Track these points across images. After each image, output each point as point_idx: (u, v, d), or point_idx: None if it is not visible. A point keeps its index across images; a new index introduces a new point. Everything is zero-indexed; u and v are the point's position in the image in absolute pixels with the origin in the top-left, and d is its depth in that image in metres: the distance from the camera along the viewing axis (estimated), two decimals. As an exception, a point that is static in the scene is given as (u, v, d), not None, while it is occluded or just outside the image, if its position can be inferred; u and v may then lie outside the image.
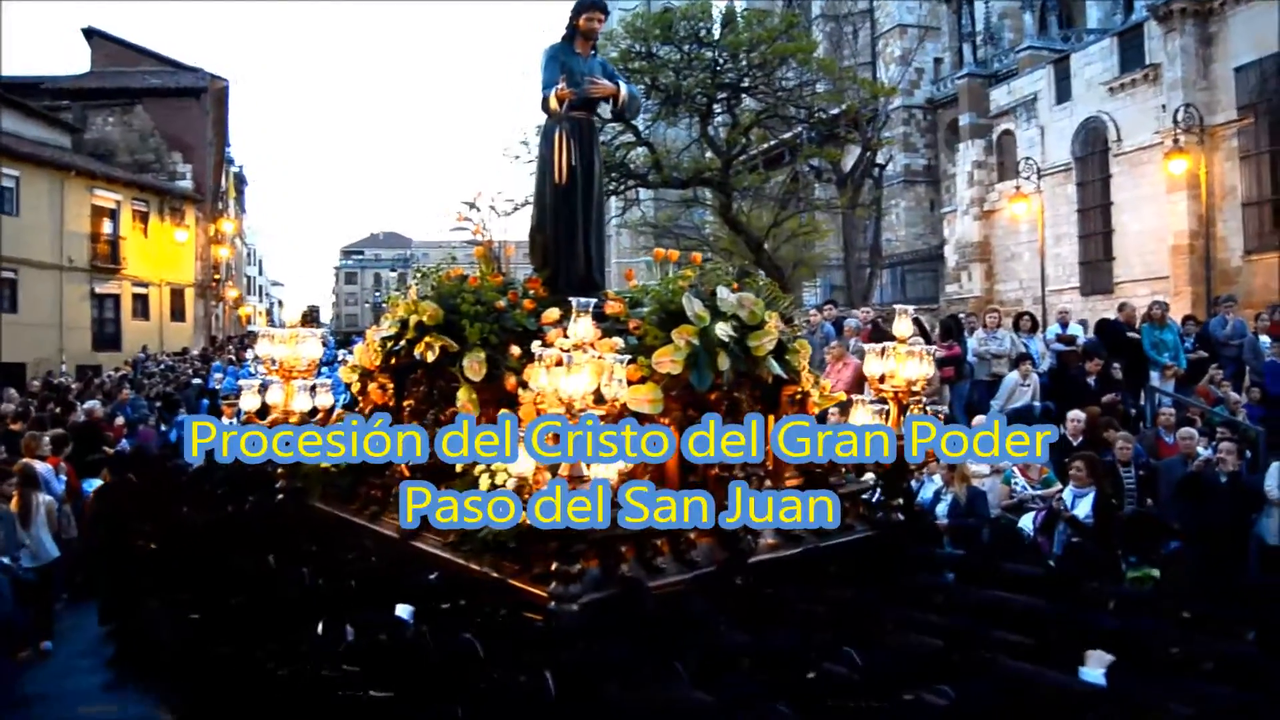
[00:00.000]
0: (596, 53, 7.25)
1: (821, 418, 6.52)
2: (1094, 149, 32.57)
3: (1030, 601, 5.15)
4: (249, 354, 22.69)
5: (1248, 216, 27.27)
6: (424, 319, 6.06)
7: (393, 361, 6.62)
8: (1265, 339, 12.77)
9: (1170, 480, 8.98)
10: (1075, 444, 9.54)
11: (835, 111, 29.15)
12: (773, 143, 31.52)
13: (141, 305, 35.26)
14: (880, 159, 33.97)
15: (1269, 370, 12.23)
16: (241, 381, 7.42)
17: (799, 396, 6.31)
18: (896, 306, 6.39)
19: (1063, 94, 33.72)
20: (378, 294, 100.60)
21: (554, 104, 6.58)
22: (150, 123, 37.12)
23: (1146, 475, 9.24)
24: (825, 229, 32.53)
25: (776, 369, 5.97)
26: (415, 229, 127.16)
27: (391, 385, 6.83)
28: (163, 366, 23.93)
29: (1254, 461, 9.56)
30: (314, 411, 7.35)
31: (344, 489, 6.96)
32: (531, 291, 6.52)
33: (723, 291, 5.90)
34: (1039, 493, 8.77)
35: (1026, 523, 8.41)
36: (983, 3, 44.64)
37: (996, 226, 37.43)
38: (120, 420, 13.76)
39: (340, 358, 13.40)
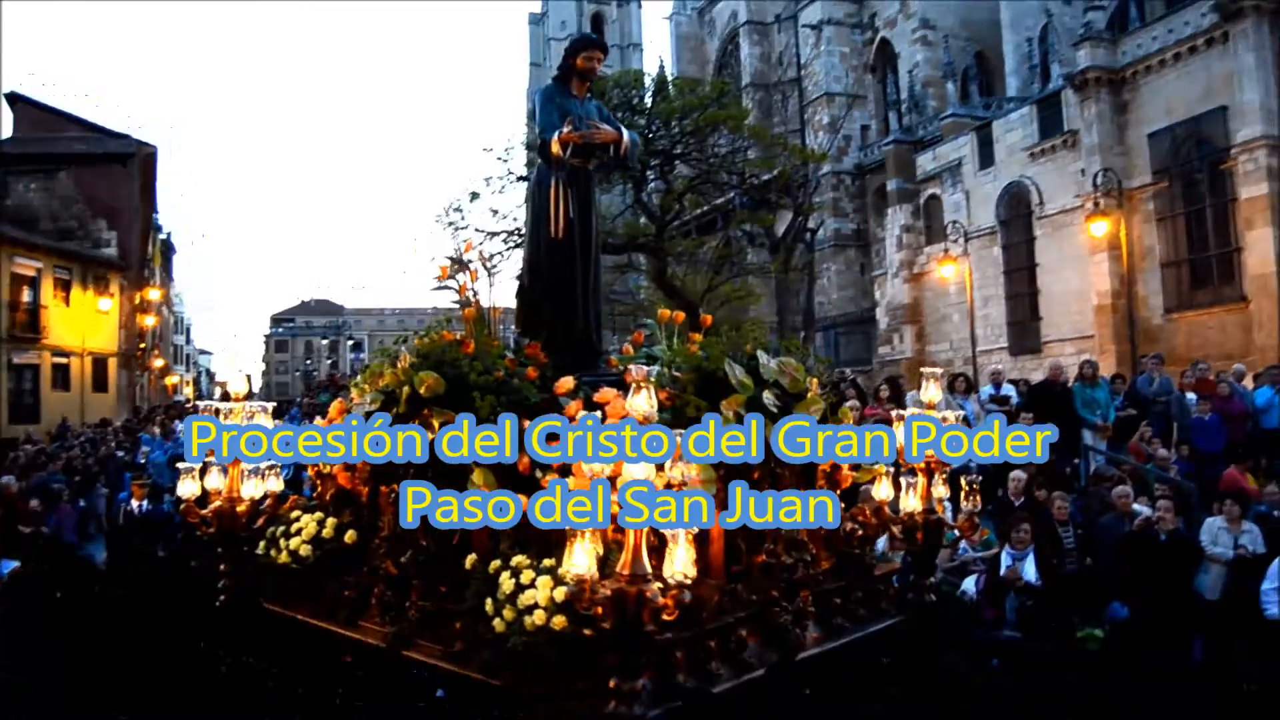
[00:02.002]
0: (593, 94, 6.72)
1: (851, 493, 5.83)
2: (1018, 212, 33.45)
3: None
4: (178, 426, 21.97)
5: (1166, 276, 28.13)
6: (421, 390, 5.21)
7: None
8: (1191, 395, 13.01)
9: (1109, 539, 9.01)
10: (1016, 504, 9.54)
11: (766, 177, 29.61)
12: (706, 208, 31.89)
13: (62, 375, 34.27)
14: (811, 224, 34.50)
15: (1196, 427, 12.43)
16: (180, 465, 6.10)
17: (831, 468, 5.62)
18: (923, 370, 5.86)
19: (986, 159, 34.66)
20: (308, 362, 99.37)
21: (556, 149, 5.95)
22: (74, 189, 36.44)
23: (1085, 535, 9.26)
24: (759, 293, 32.85)
25: None
26: (347, 296, 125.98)
27: (365, 466, 5.79)
28: (83, 439, 23.16)
29: (1189, 518, 9.64)
30: (263, 498, 6.24)
31: (307, 587, 5.72)
32: (531, 358, 5.73)
33: (763, 356, 5.39)
34: (980, 554, 8.73)
35: (969, 585, 8.35)
36: (907, 72, 45.90)
37: (926, 289, 38.09)
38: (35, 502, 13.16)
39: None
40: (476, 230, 27.41)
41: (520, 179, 28.04)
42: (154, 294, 46.32)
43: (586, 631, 3.80)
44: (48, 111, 40.07)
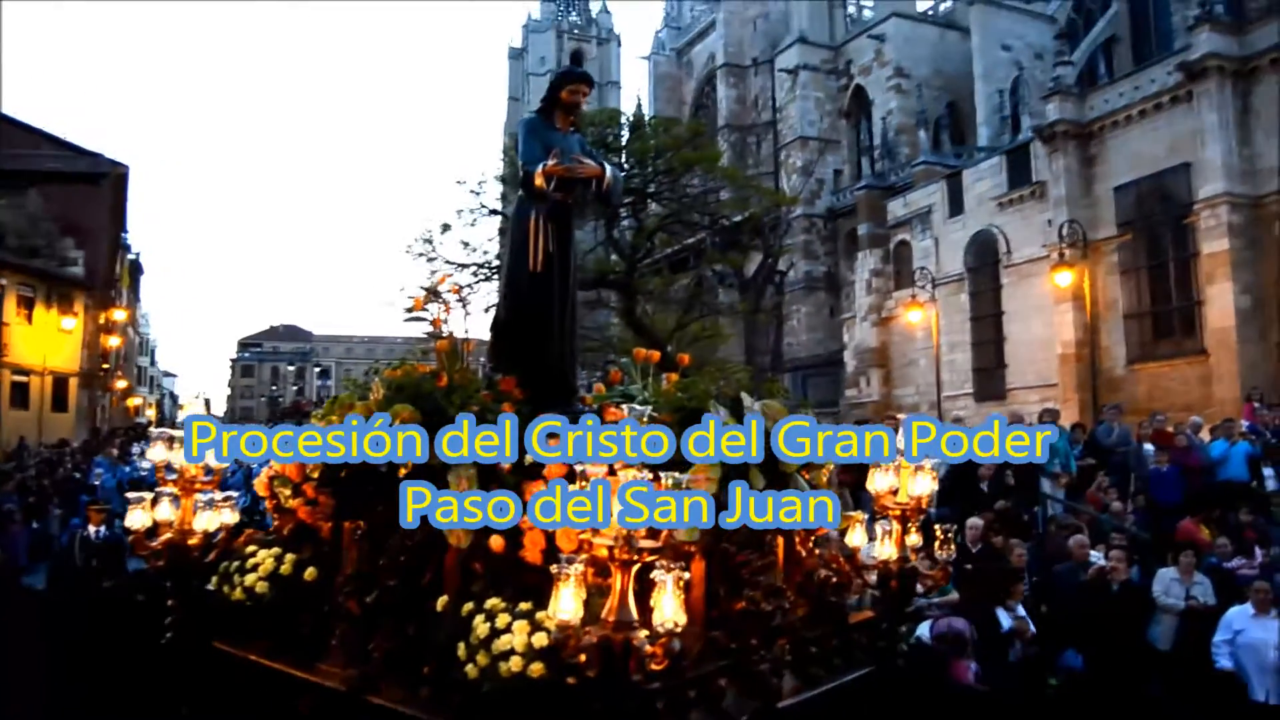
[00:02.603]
0: (577, 129, 6.56)
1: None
2: (985, 260, 33.83)
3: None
4: (136, 449, 21.65)
5: (1129, 328, 28.52)
6: (396, 423, 4.97)
7: (342, 473, 5.28)
8: (1149, 446, 13.15)
9: (1065, 587, 9.06)
10: (974, 550, 9.58)
11: (738, 219, 29.83)
12: (677, 247, 32.06)
13: (21, 394, 33.75)
14: (782, 266, 34.78)
15: (1154, 478, 12.56)
16: (130, 495, 5.75)
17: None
18: (900, 416, 5.82)
19: (955, 207, 35.10)
20: (274, 388, 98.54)
21: (540, 182, 5.75)
22: (42, 207, 36.10)
23: (1041, 582, 9.31)
24: (728, 333, 32.93)
25: (804, 487, 5.14)
26: (316, 323, 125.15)
27: (329, 502, 5.48)
28: (38, 459, 22.79)
29: (1144, 569, 9.71)
30: (216, 531, 5.86)
31: (263, 626, 5.33)
32: (506, 393, 5.44)
33: (747, 398, 5.19)
34: (936, 600, 8.73)
35: (923, 630, 8.35)
36: (880, 119, 46.51)
37: (894, 333, 38.37)
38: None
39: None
40: (447, 262, 27.44)
41: (493, 212, 28.11)
42: (119, 314, 45.87)
43: (570, 680, 3.65)
44: (18, 127, 39.73)
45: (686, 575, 3.56)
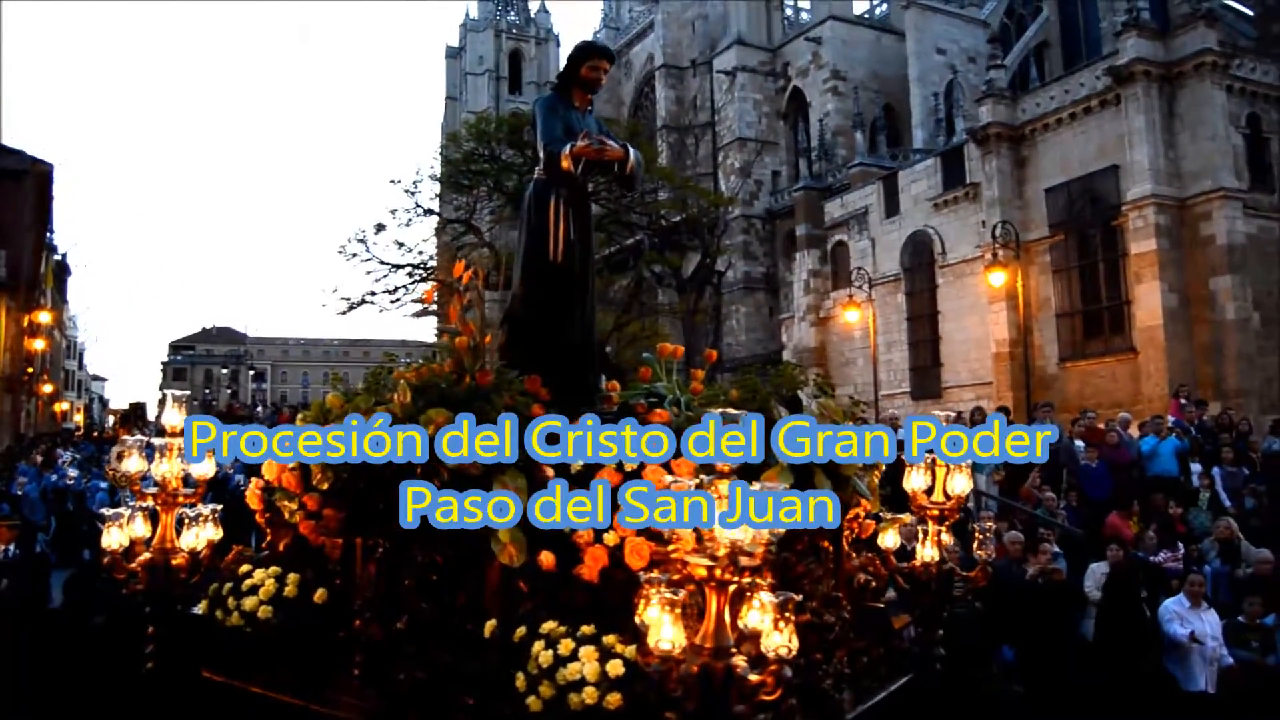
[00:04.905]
0: (593, 108, 6.15)
1: (871, 540, 5.23)
2: (921, 261, 34.23)
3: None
4: (62, 455, 21.01)
5: (1061, 326, 29.05)
6: (430, 431, 4.37)
7: (360, 484, 4.68)
8: (1080, 443, 13.33)
9: (1000, 584, 9.10)
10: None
11: (677, 219, 29.83)
12: (615, 248, 31.96)
13: (-60, 400, 32.72)
14: (720, 266, 34.81)
15: (1085, 474, 12.73)
16: (107, 511, 5.03)
17: (860, 519, 5.07)
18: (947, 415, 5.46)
19: (891, 208, 35.47)
20: (207, 391, 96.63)
21: (566, 163, 5.41)
22: (-39, 206, 34.96)
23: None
24: (666, 333, 32.97)
25: (864, 491, 4.86)
26: (250, 324, 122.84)
27: (338, 516, 4.85)
28: (-43, 467, 22.03)
29: (1077, 564, 9.81)
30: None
31: (262, 654, 4.78)
32: (532, 394, 4.94)
33: (805, 397, 4.88)
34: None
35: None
36: (817, 120, 46.84)
37: (831, 333, 38.65)
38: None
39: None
40: (381, 263, 27.07)
41: (428, 212, 27.84)
42: (44, 316, 44.62)
43: (669, 716, 3.16)
44: (-64, 125, 38.51)
45: (798, 596, 3.23)
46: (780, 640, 3.00)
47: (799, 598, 3.21)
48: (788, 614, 3.01)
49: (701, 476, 3.10)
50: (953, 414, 5.70)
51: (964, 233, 31.94)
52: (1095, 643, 8.60)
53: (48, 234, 45.74)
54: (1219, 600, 9.45)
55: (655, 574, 3.15)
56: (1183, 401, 16.24)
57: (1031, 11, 47.92)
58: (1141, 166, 25.92)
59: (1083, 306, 28.86)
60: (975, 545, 5.02)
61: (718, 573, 2.98)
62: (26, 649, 6.27)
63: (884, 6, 51.24)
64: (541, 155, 5.54)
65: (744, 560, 2.99)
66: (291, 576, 4.80)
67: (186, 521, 4.92)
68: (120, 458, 4.95)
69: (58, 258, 54.88)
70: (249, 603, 4.76)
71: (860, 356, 36.24)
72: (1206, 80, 25.71)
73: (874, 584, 5.06)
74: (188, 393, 5.29)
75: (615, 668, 3.62)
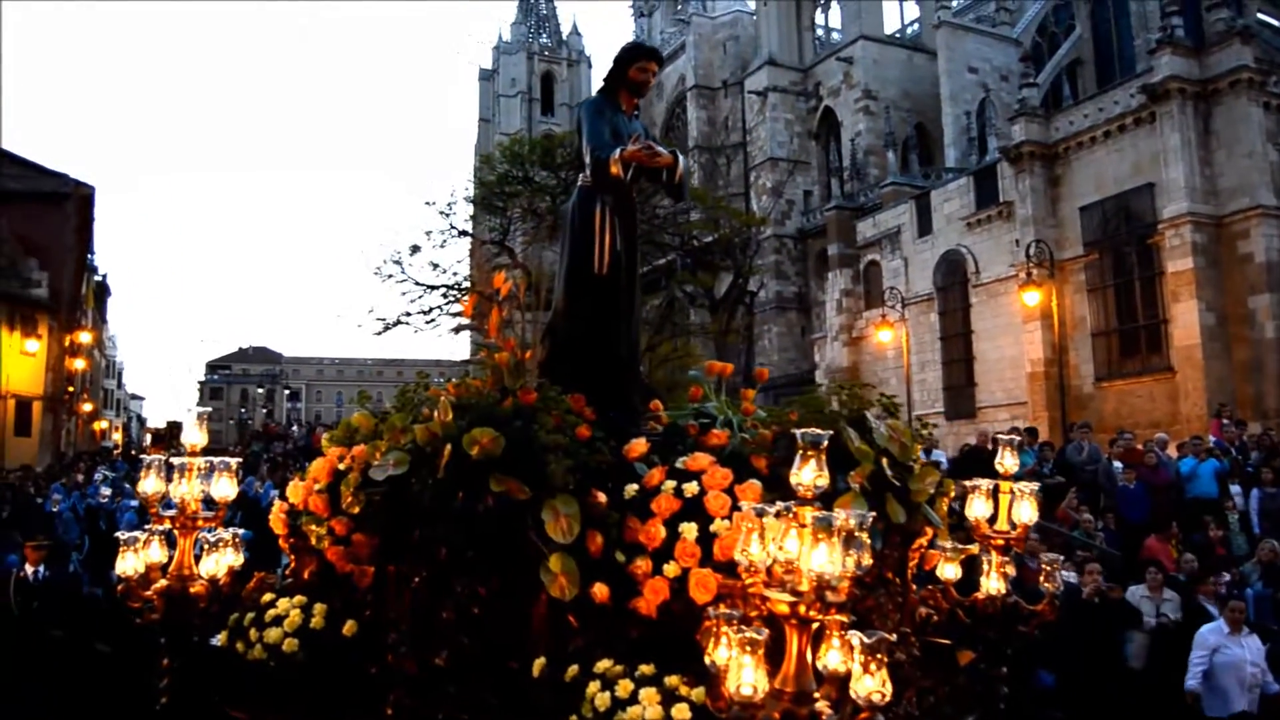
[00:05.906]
0: (639, 113, 5.84)
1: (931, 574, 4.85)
2: (954, 280, 34.03)
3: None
4: (99, 474, 21.20)
5: (1097, 345, 28.76)
6: (473, 452, 4.04)
7: (397, 508, 4.34)
8: (1118, 464, 13.21)
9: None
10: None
11: (709, 239, 29.87)
12: (648, 268, 32.04)
13: (-17, 419, 33.25)
14: (752, 286, 34.80)
15: (1122, 495, 12.61)
16: (121, 535, 4.54)
17: (923, 549, 4.73)
18: (999, 436, 5.07)
19: (924, 228, 35.32)
20: (243, 410, 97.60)
21: (615, 169, 5.11)
22: (5, 227, 35.61)
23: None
24: (699, 353, 32.96)
25: (935, 519, 4.55)
26: (286, 345, 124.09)
27: (369, 542, 4.49)
28: None
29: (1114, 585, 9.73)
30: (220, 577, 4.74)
31: (289, 689, 4.40)
32: (578, 414, 4.56)
33: (873, 419, 4.59)
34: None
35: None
36: (849, 140, 46.81)
37: (864, 352, 38.47)
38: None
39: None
40: (416, 284, 27.30)
41: (462, 234, 28.05)
42: (85, 337, 45.31)
43: None
44: (-18, 147, 39.26)
45: (892, 636, 2.95)
46: (873, 685, 2.69)
47: (893, 637, 2.98)
48: (880, 656, 2.68)
49: (779, 504, 2.89)
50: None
51: (997, 252, 31.74)
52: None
53: (88, 255, 46.46)
54: (1261, 623, 9.32)
55: (724, 609, 2.89)
56: (1224, 421, 16.06)
57: (1064, 29, 47.71)
58: (1177, 184, 25.66)
59: (1119, 325, 28.57)
60: (1042, 578, 4.71)
61: (801, 609, 2.73)
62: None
63: (915, 25, 51.19)
64: (588, 161, 5.27)
65: (829, 596, 2.74)
66: (318, 607, 4.46)
67: (206, 547, 4.52)
68: (107, 474, 4.69)
69: (98, 279, 55.72)
70: (272, 634, 4.42)
71: (894, 376, 36.02)
72: (1243, 97, 25.44)
73: (935, 618, 4.75)
74: (209, 409, 5.03)
75: (681, 712, 3.36)
